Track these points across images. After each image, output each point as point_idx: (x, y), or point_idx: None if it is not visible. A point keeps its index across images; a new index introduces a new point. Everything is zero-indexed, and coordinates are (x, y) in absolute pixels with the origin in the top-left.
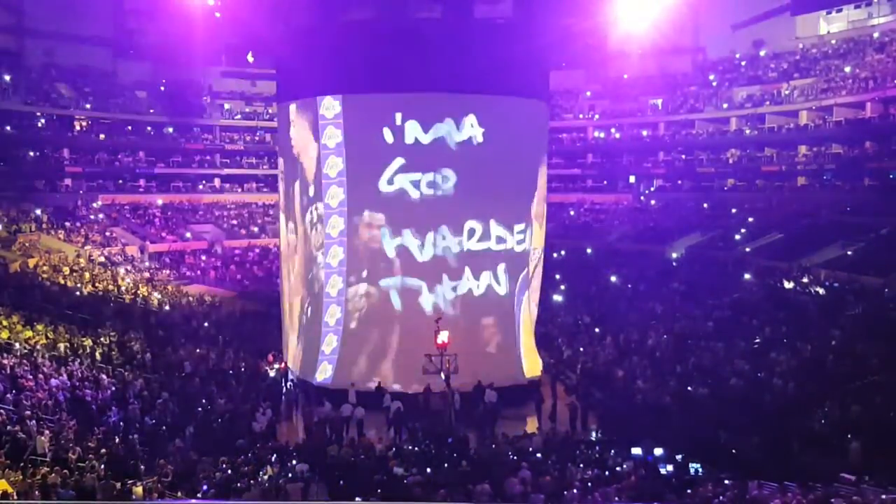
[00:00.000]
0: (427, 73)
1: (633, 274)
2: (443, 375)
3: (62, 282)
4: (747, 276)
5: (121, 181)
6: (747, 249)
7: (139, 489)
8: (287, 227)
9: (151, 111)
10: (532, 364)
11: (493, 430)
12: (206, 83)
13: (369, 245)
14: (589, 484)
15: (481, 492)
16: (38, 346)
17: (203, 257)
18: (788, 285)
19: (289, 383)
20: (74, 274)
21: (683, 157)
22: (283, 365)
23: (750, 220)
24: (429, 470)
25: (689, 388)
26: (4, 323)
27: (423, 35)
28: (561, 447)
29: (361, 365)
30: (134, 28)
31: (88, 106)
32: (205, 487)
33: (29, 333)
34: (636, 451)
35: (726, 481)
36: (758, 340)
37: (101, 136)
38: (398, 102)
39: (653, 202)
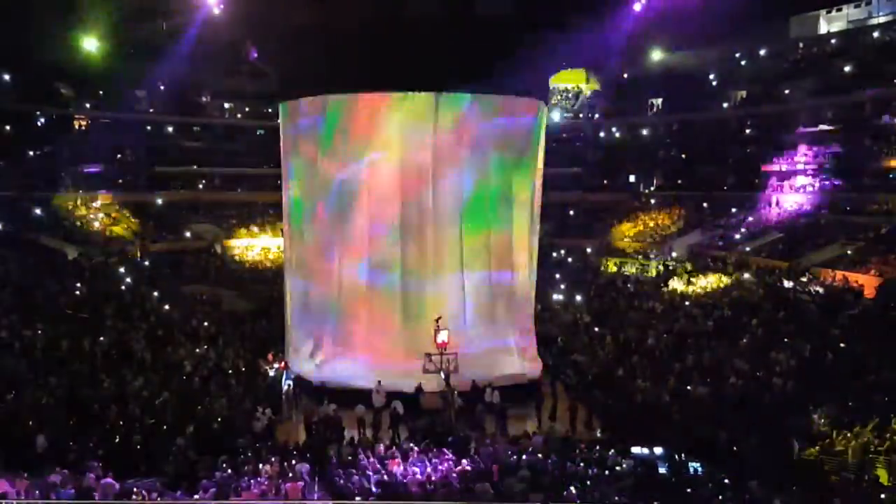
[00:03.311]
0: (426, 69)
1: (632, 273)
2: (442, 375)
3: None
4: (747, 275)
5: (121, 180)
6: (747, 249)
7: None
8: (289, 224)
9: (151, 110)
10: (532, 363)
11: (498, 429)
12: (207, 82)
13: (371, 240)
14: (588, 483)
15: (481, 491)
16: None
17: (203, 256)
18: (788, 284)
19: (289, 382)
20: (75, 273)
21: (683, 156)
22: (282, 364)
23: (750, 219)
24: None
25: (688, 388)
26: None
27: (424, 32)
28: (561, 447)
29: (361, 362)
30: (135, 26)
31: (88, 105)
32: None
33: None
34: (636, 450)
35: (726, 480)
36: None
37: (101, 135)
38: (396, 98)
39: (653, 201)
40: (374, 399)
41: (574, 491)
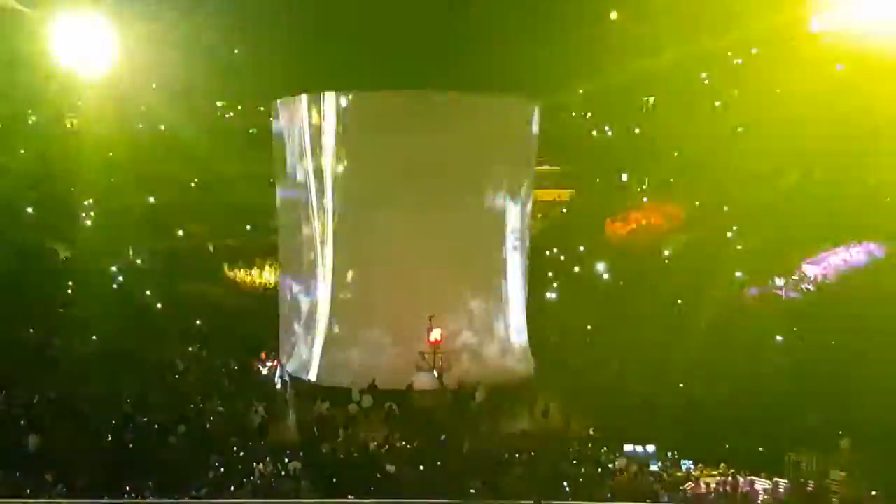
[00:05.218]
0: (422, 69)
1: (627, 271)
2: (435, 373)
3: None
4: (740, 273)
5: (112, 179)
6: (739, 247)
7: None
8: (285, 221)
9: (142, 108)
10: (525, 361)
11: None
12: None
13: (364, 237)
14: (581, 481)
15: (474, 489)
16: None
17: (197, 254)
18: (780, 282)
19: (282, 380)
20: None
21: (676, 154)
22: (275, 362)
23: (744, 216)
24: (421, 468)
25: (681, 386)
26: None
27: (419, 31)
28: (554, 444)
29: (355, 360)
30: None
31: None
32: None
33: None
34: (629, 447)
35: (719, 478)
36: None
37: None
38: (392, 97)
39: (645, 199)
40: (361, 398)
41: (567, 489)
